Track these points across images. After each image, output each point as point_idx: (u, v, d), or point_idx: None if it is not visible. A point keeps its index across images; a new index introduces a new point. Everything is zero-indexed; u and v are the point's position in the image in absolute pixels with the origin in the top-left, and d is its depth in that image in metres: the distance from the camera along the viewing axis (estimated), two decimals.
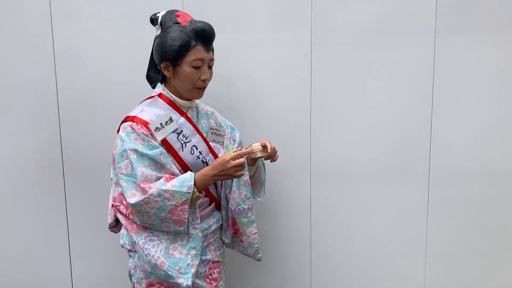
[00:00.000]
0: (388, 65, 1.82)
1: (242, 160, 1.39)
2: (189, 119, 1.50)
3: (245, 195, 1.57)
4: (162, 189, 1.33)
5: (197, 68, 1.42)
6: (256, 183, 1.67)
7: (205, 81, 1.46)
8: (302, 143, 1.89)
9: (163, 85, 1.51)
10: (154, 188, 1.33)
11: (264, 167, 1.69)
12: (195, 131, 1.52)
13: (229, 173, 1.39)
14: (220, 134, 1.60)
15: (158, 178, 1.37)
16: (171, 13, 1.42)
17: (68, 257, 1.99)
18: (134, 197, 1.35)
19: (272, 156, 1.55)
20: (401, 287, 2.01)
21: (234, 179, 1.55)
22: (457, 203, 1.95)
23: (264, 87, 1.85)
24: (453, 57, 1.81)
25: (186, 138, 1.50)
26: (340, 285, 2.01)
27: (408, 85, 1.84)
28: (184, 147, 1.48)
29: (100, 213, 1.79)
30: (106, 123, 1.83)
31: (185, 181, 1.36)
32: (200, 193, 1.41)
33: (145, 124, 1.39)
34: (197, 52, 1.40)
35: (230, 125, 1.66)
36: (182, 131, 1.48)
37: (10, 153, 1.88)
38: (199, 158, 1.51)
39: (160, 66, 1.46)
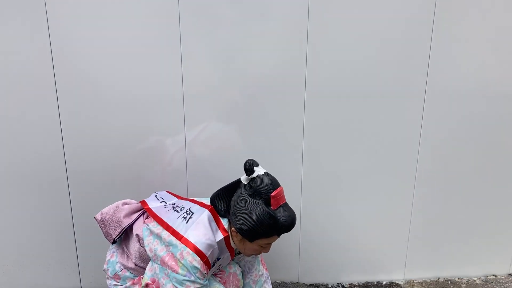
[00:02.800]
0: None
1: None
2: (232, 255, 1.57)
3: None
4: None
5: (264, 247, 1.49)
6: None
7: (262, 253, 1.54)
8: (297, 64, 1.89)
9: (231, 230, 1.50)
10: None
11: None
12: (230, 261, 1.62)
13: None
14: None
15: None
16: (269, 188, 1.40)
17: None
18: None
19: None
20: (390, 202, 2.11)
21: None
22: (451, 123, 2.01)
23: (262, 5, 1.82)
24: None
25: (219, 269, 1.61)
26: (331, 201, 2.09)
27: (408, 2, 1.82)
28: (213, 273, 1.59)
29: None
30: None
31: None
32: None
33: (209, 268, 1.46)
34: (271, 239, 1.46)
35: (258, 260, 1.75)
36: (221, 264, 1.58)
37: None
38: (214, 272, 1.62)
39: (232, 226, 1.48)
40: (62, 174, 1.96)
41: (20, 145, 1.91)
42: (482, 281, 2.25)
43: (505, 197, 2.17)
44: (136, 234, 1.58)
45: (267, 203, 1.40)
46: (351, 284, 2.21)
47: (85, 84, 1.86)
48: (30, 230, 2.03)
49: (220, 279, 1.57)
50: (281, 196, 1.42)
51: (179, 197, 1.74)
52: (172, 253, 1.43)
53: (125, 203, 1.67)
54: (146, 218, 1.61)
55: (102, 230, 1.66)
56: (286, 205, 1.44)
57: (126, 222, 1.60)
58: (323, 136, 2.00)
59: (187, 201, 1.63)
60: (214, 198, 1.52)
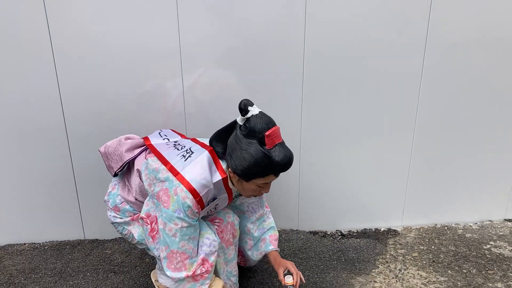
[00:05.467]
0: None
1: None
2: (230, 197, 1.55)
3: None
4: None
5: (262, 187, 1.47)
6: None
7: (262, 193, 1.51)
8: (295, 20, 1.86)
9: (228, 170, 1.48)
10: (179, 275, 1.44)
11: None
12: (228, 202, 1.59)
13: None
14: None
15: (191, 248, 1.45)
16: (263, 128, 1.36)
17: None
18: (162, 253, 1.45)
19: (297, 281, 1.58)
20: (388, 150, 2.13)
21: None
22: (451, 72, 2.00)
23: None
24: None
25: (216, 208, 1.59)
26: (330, 151, 2.10)
27: None
28: (209, 213, 1.58)
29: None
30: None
31: None
32: None
33: (202, 207, 1.46)
34: (268, 178, 1.43)
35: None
36: (217, 204, 1.56)
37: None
38: (209, 213, 1.61)
39: (228, 166, 1.46)
40: (60, 121, 1.95)
41: (17, 93, 1.89)
42: (478, 226, 2.30)
43: (502, 146, 2.18)
44: (137, 169, 1.59)
45: (262, 142, 1.37)
46: (349, 231, 2.26)
47: (81, 34, 1.81)
48: (32, 181, 2.04)
49: (217, 228, 1.60)
50: (276, 135, 1.38)
51: (182, 136, 1.73)
52: (167, 188, 1.44)
53: (128, 138, 1.66)
54: (148, 154, 1.61)
55: (105, 162, 1.67)
56: (282, 144, 1.40)
57: (128, 156, 1.61)
58: (323, 83, 1.97)
59: (189, 140, 1.62)
60: (212, 140, 1.51)
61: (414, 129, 2.09)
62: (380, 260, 2.02)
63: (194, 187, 1.41)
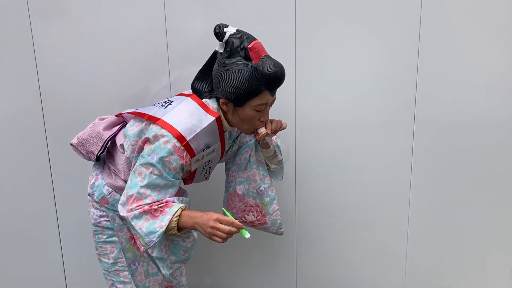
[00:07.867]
0: (374, 13, 1.76)
1: (225, 229, 1.23)
2: (222, 144, 1.44)
3: (263, 175, 1.55)
4: (134, 226, 1.29)
5: (259, 111, 1.35)
6: (277, 164, 1.62)
7: (263, 122, 1.40)
8: (286, 95, 1.80)
9: (220, 102, 1.37)
10: (134, 215, 1.29)
11: (279, 149, 1.59)
12: (221, 154, 1.48)
13: (206, 231, 1.25)
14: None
15: (152, 200, 1.30)
16: (244, 41, 1.29)
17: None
18: (122, 198, 1.33)
19: (277, 127, 1.46)
20: (385, 236, 2.01)
21: (250, 161, 1.54)
22: (441, 153, 1.92)
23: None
24: (441, 5, 1.75)
25: (210, 162, 1.47)
26: (326, 237, 2.01)
27: (394, 34, 1.77)
28: (203, 170, 1.46)
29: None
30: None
31: (153, 233, 1.27)
32: (179, 231, 1.31)
33: (192, 156, 1.34)
34: (263, 97, 1.32)
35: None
36: (211, 159, 1.46)
37: None
38: (204, 175, 1.50)
39: (218, 99, 1.37)
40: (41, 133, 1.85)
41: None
42: None
43: (499, 228, 2.01)
44: (120, 145, 1.46)
45: (247, 58, 1.28)
46: None
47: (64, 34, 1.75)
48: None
49: None
50: (260, 47, 1.29)
51: None
52: (146, 137, 1.31)
53: (102, 118, 1.54)
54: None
55: (81, 153, 1.52)
56: (269, 56, 1.31)
57: (107, 134, 1.48)
58: (314, 168, 1.92)
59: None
60: (195, 83, 1.41)
61: (409, 211, 1.98)
62: None
63: (178, 129, 1.28)
